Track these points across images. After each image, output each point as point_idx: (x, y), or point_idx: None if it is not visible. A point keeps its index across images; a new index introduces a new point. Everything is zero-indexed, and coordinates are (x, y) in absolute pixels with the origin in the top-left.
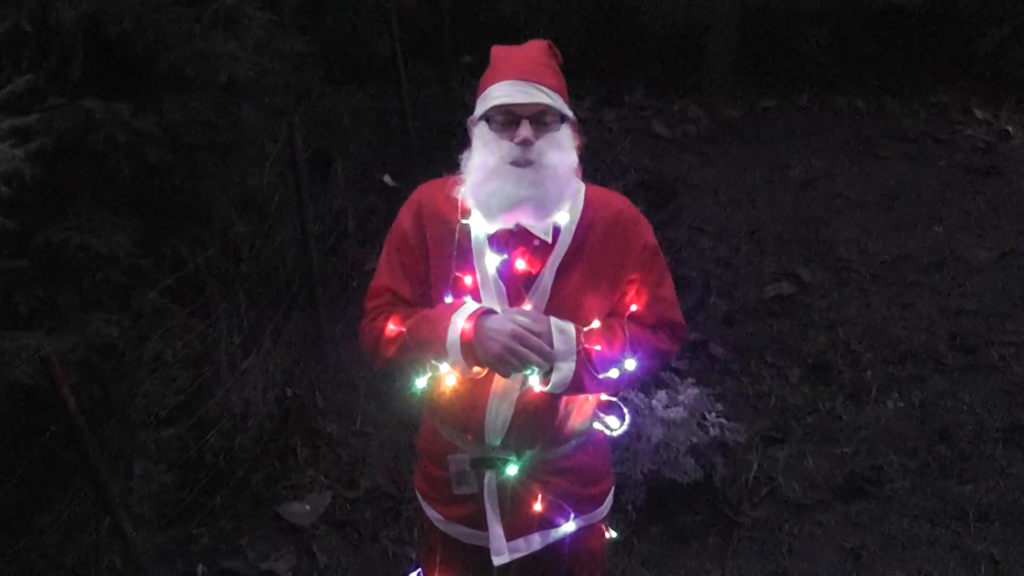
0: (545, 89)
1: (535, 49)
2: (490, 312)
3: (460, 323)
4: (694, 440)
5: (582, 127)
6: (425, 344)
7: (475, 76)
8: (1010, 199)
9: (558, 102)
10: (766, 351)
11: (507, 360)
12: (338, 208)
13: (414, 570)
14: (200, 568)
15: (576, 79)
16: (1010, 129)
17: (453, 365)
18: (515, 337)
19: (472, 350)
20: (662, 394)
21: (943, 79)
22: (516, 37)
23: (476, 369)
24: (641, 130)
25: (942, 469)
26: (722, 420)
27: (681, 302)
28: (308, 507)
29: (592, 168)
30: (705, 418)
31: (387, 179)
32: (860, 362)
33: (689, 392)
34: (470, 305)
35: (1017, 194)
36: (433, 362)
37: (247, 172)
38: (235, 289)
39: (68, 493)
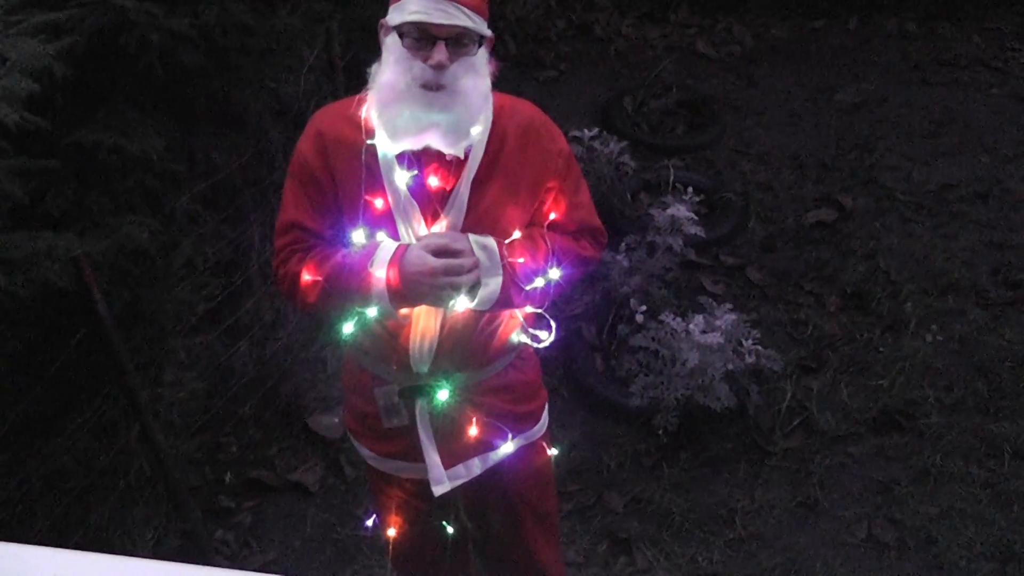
0: (466, 10)
1: None
2: (406, 248)
3: (382, 274)
4: (729, 367)
5: (625, 43)
6: (347, 295)
7: None
8: None
9: (478, 23)
10: (804, 278)
11: (440, 297)
12: None
13: (370, 516)
14: (228, 476)
15: None
16: None
17: (380, 312)
18: (441, 273)
19: (400, 296)
20: (699, 319)
21: (999, 3)
22: None
23: (403, 312)
24: (684, 48)
25: (978, 405)
26: (758, 347)
27: (720, 225)
28: (337, 420)
29: (634, 85)
30: (741, 344)
31: None
32: (900, 293)
33: (726, 318)
34: (383, 250)
35: None
36: (358, 308)
37: (283, 78)
38: (268, 197)
39: (98, 397)
